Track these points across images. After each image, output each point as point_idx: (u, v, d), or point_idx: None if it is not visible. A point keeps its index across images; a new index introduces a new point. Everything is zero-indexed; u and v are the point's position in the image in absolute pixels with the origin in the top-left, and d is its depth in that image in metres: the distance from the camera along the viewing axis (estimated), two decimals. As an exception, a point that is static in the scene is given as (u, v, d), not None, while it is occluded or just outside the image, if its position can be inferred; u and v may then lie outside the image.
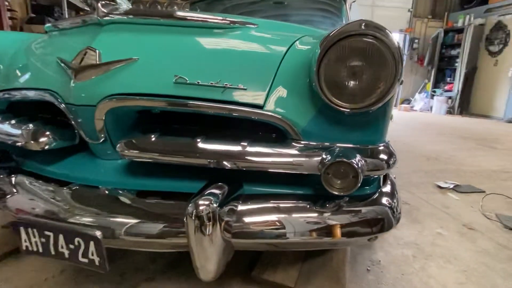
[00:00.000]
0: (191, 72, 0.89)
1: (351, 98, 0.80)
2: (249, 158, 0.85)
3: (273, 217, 0.83)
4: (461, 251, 1.60)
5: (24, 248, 0.90)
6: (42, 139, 0.97)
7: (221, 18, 1.01)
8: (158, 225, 0.81)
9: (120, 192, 0.92)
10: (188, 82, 0.88)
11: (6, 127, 1.04)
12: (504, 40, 7.19)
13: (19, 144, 0.99)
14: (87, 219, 0.84)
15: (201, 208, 0.73)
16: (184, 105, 0.88)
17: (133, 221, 0.82)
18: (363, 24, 0.74)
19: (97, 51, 0.91)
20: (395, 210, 0.91)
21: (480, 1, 7.86)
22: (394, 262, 1.48)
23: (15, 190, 0.97)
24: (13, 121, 1.07)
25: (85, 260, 0.84)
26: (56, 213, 0.86)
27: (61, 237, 0.84)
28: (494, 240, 1.71)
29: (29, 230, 0.87)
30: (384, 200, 0.92)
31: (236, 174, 0.90)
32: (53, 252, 0.87)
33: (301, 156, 0.84)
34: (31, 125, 1.01)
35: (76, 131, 1.07)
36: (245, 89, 0.88)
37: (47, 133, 0.99)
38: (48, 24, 1.22)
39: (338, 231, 0.85)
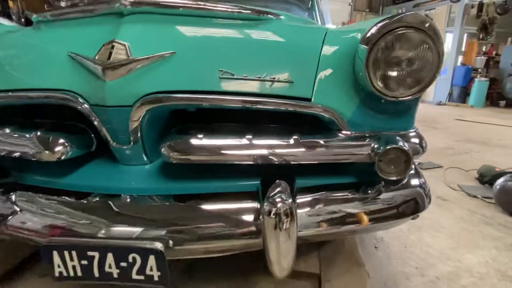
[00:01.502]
0: (235, 66, 0.84)
1: (399, 87, 0.84)
2: (302, 151, 0.84)
3: (334, 207, 0.84)
4: (444, 220, 1.81)
5: (57, 274, 0.77)
6: (58, 148, 0.84)
7: (250, 8, 0.97)
8: (223, 228, 0.77)
9: (162, 198, 0.85)
10: (234, 76, 0.84)
11: (5, 136, 0.87)
12: (430, 32, 8.13)
13: (28, 156, 0.84)
14: (140, 232, 0.75)
15: (279, 205, 0.71)
16: (234, 101, 0.83)
17: (195, 227, 0.76)
18: (419, 17, 0.78)
19: (126, 44, 0.81)
20: (426, 190, 0.99)
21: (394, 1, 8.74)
22: (395, 237, 1.62)
23: (29, 210, 0.83)
24: (7, 130, 0.90)
25: (141, 277, 0.76)
26: (98, 230, 0.76)
27: (109, 256, 0.74)
28: (465, 207, 1.97)
29: (66, 253, 0.75)
30: (417, 181, 0.99)
31: (283, 169, 0.90)
32: (97, 275, 0.77)
33: (353, 146, 0.87)
34: (39, 133, 0.86)
35: (92, 136, 0.95)
36: (292, 82, 0.86)
37: (61, 141, 0.85)
38: (35, 15, 1.04)
39: (392, 213, 0.90)
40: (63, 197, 0.85)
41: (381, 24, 0.81)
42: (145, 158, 0.93)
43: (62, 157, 0.84)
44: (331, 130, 0.92)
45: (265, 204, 0.73)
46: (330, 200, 0.87)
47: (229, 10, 0.92)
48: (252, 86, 0.84)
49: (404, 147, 0.83)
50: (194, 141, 0.82)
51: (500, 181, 1.95)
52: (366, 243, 1.57)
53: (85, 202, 0.82)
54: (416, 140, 0.96)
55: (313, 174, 0.95)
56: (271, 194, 0.75)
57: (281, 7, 2.63)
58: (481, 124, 5.09)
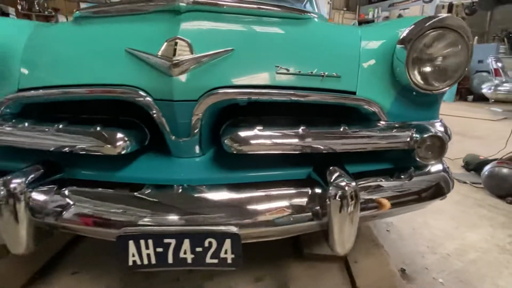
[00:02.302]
0: (289, 62, 0.91)
1: (433, 81, 0.94)
2: (352, 139, 0.92)
3: (383, 191, 0.93)
4: (442, 204, 1.96)
5: (130, 263, 0.80)
6: (119, 143, 0.85)
7: (293, 8, 1.03)
8: (289, 212, 0.83)
9: (225, 187, 0.89)
10: (289, 72, 0.90)
11: (63, 131, 0.88)
12: (405, 31, 8.55)
13: (90, 150, 0.85)
14: (214, 218, 0.80)
15: (346, 188, 0.78)
16: (289, 94, 0.89)
17: (265, 212, 0.82)
18: (456, 20, 0.88)
19: (188, 41, 0.84)
20: (450, 173, 1.11)
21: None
22: (403, 221, 1.75)
23: (95, 203, 0.85)
24: (61, 126, 0.90)
25: (214, 261, 0.80)
26: (173, 218, 0.80)
27: (186, 241, 0.78)
28: (460, 192, 2.16)
29: (142, 242, 0.78)
30: (441, 167, 1.10)
31: (329, 157, 0.97)
32: (170, 261, 0.80)
33: (395, 134, 0.96)
34: (98, 128, 0.88)
35: (146, 130, 0.98)
36: (339, 77, 0.94)
37: (121, 135, 0.87)
38: (77, 11, 1.04)
39: (426, 195, 1.01)
40: (128, 189, 0.87)
41: (421, 24, 0.90)
42: (198, 151, 0.97)
43: (123, 151, 0.86)
44: (371, 120, 1.01)
45: (331, 188, 0.80)
46: (375, 185, 0.96)
47: (276, 9, 0.98)
48: (305, 81, 0.91)
49: (440, 134, 0.94)
50: (254, 133, 0.87)
51: (487, 168, 2.15)
52: (378, 228, 1.69)
53: (152, 193, 0.85)
54: (442, 129, 1.07)
55: (352, 162, 1.04)
56: (334, 179, 0.82)
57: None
58: (455, 117, 5.46)
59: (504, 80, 6.12)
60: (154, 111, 0.86)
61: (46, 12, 6.15)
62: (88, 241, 1.48)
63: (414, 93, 0.98)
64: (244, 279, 1.26)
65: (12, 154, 1.02)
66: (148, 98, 0.85)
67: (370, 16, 9.22)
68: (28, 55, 0.98)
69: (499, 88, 6.12)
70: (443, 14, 0.93)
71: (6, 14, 4.75)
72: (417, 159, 0.96)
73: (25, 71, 0.96)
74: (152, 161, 0.97)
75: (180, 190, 0.86)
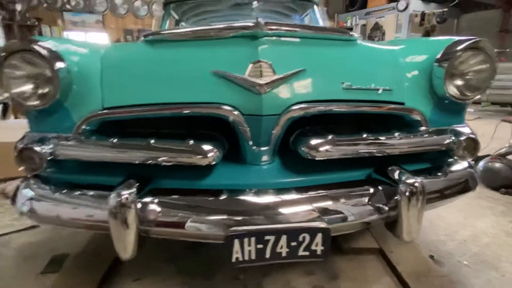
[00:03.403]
0: (350, 79, 1.05)
1: (465, 92, 1.13)
2: (406, 143, 1.08)
3: (434, 185, 1.10)
4: (447, 197, 2.20)
5: (234, 260, 0.91)
6: (210, 154, 0.96)
7: (342, 30, 1.19)
8: (367, 207, 0.98)
9: (304, 188, 1.02)
10: (352, 87, 1.05)
11: (157, 145, 0.97)
12: (381, 38, 9.06)
13: (185, 161, 0.95)
14: (306, 215, 0.93)
15: (416, 184, 0.94)
16: (353, 106, 1.04)
17: (347, 208, 0.96)
18: (484, 42, 1.06)
19: (270, 63, 0.97)
20: (475, 169, 1.30)
21: (360, 6, 9.62)
22: (418, 214, 1.95)
23: (196, 210, 0.95)
24: (152, 140, 0.99)
25: (306, 253, 0.92)
26: (270, 218, 0.91)
27: (283, 237, 0.90)
28: (459, 186, 2.40)
29: (245, 240, 0.89)
30: (467, 164, 1.28)
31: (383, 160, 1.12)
32: (268, 256, 0.92)
33: (438, 138, 1.13)
34: (191, 141, 0.97)
35: (224, 141, 1.09)
36: (390, 90, 1.10)
37: (211, 147, 0.97)
38: (149, 33, 1.13)
39: (460, 189, 1.19)
40: (223, 195, 0.97)
41: (455, 46, 1.08)
42: (270, 158, 1.09)
43: (213, 162, 0.97)
44: (413, 126, 1.17)
45: (401, 185, 0.95)
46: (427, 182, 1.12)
47: (333, 32, 1.13)
48: (365, 94, 1.06)
49: (474, 136, 1.12)
50: (328, 141, 1.01)
51: (482, 163, 2.41)
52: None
53: (247, 197, 0.96)
54: (469, 131, 1.25)
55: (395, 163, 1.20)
56: (401, 177, 0.97)
57: (290, 8, 2.88)
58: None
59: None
60: (243, 125, 0.98)
61: (28, 22, 5.97)
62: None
63: (446, 101, 1.15)
64: (298, 273, 1.38)
65: (91, 168, 1.09)
66: (238, 114, 0.96)
67: (349, 24, 9.69)
68: (109, 76, 1.05)
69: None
70: (475, 38, 1.11)
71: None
72: (455, 157, 1.14)
73: (108, 90, 1.04)
74: (230, 169, 1.08)
75: (270, 193, 0.97)
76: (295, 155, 1.11)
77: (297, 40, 1.07)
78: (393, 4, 8.51)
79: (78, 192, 1.04)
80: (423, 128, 1.16)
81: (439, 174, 1.20)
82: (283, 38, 1.04)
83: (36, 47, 0.96)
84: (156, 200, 0.95)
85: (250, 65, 0.96)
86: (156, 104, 0.99)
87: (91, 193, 1.02)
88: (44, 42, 0.99)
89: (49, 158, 1.01)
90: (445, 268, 1.44)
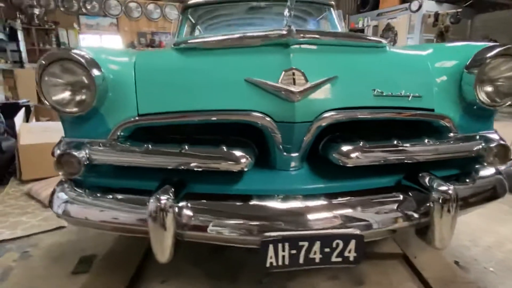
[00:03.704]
0: (381, 85, 1.06)
1: (495, 98, 1.12)
2: (437, 150, 1.08)
3: (463, 192, 1.09)
4: (468, 202, 2.18)
5: (267, 265, 0.92)
6: (243, 160, 0.98)
7: (372, 37, 1.19)
8: (397, 213, 0.98)
9: (334, 194, 1.03)
10: (383, 94, 1.05)
11: (192, 151, 0.99)
12: (394, 39, 8.97)
13: (220, 167, 0.98)
14: (339, 222, 0.94)
15: (450, 192, 0.94)
16: (384, 113, 1.05)
17: (380, 214, 0.97)
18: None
19: (302, 71, 0.98)
20: (504, 175, 1.28)
21: (372, 7, 9.54)
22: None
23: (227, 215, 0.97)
24: (186, 147, 1.01)
25: (338, 260, 0.94)
26: (304, 223, 0.93)
27: (317, 243, 0.91)
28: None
29: (279, 245, 0.91)
30: (496, 170, 1.27)
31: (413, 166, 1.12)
32: (301, 261, 0.93)
33: (468, 144, 1.12)
34: (224, 148, 1.00)
35: (253, 147, 1.10)
36: (420, 97, 1.10)
37: (243, 154, 0.99)
38: (179, 42, 1.16)
39: (490, 195, 1.18)
40: (256, 200, 0.99)
41: (485, 52, 1.08)
42: (299, 164, 1.11)
43: (246, 168, 0.99)
44: (442, 132, 1.17)
45: (434, 192, 0.95)
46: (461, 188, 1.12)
47: (363, 38, 1.14)
48: (396, 101, 1.07)
49: (504, 143, 1.11)
50: (359, 147, 1.01)
51: (503, 168, 2.37)
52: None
53: (279, 203, 0.98)
54: (498, 137, 1.24)
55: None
56: (433, 184, 0.98)
57: (306, 12, 2.90)
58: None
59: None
60: (275, 132, 0.99)
61: (46, 26, 6.12)
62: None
63: (475, 107, 1.15)
64: (323, 278, 1.39)
65: (123, 172, 1.12)
66: (270, 121, 0.98)
67: (360, 25, 9.62)
68: (143, 83, 1.08)
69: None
70: (505, 45, 1.10)
71: (14, 30, 4.72)
72: (485, 164, 1.13)
73: (143, 98, 1.07)
74: (260, 174, 1.09)
75: (302, 199, 0.98)
76: (322, 161, 1.12)
77: (328, 47, 1.08)
78: (405, 5, 8.41)
79: (113, 196, 1.07)
80: (452, 134, 1.16)
81: (467, 180, 1.19)
82: (314, 46, 1.06)
83: (75, 56, 0.99)
84: (192, 205, 0.98)
85: (283, 73, 0.98)
86: (190, 111, 1.01)
87: (127, 197, 1.05)
88: (81, 51, 1.02)
89: (86, 163, 1.04)
90: (471, 275, 1.43)
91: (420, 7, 8.07)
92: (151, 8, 7.16)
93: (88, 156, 1.04)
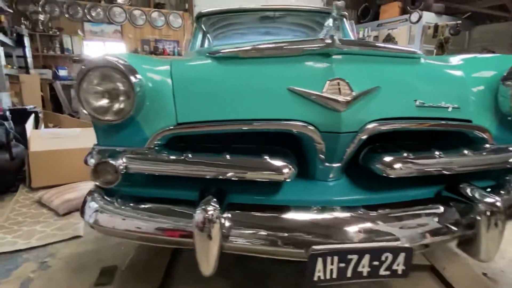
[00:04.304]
0: (422, 96, 1.06)
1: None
2: (477, 161, 1.08)
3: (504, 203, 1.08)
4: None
5: (315, 279, 0.90)
6: (286, 170, 0.96)
7: (409, 49, 1.19)
8: (444, 225, 0.97)
9: (377, 206, 1.01)
10: (425, 105, 1.05)
11: (234, 161, 0.97)
12: (393, 49, 9.09)
13: (262, 177, 0.96)
14: (387, 234, 0.92)
15: (497, 204, 0.93)
16: (424, 124, 1.04)
17: (426, 227, 0.95)
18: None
19: (347, 81, 0.98)
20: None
21: (373, 17, 9.70)
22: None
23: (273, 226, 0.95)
24: (228, 156, 1.00)
25: (387, 273, 0.91)
26: (352, 236, 0.91)
27: (366, 257, 0.89)
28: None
29: (328, 258, 0.89)
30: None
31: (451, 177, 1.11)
32: (349, 275, 0.91)
33: (506, 155, 1.12)
34: (266, 157, 0.98)
35: (293, 158, 1.09)
36: (458, 108, 1.10)
37: (285, 164, 0.97)
38: (215, 51, 1.15)
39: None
40: (302, 211, 0.97)
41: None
42: (339, 174, 1.09)
43: (288, 179, 0.97)
44: (476, 143, 1.17)
45: (480, 204, 0.94)
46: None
47: (402, 49, 1.14)
48: (436, 112, 1.06)
49: (542, 154, 1.11)
50: (403, 158, 1.01)
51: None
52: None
53: (324, 214, 0.96)
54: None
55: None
56: (476, 195, 0.97)
57: (318, 23, 2.93)
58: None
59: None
60: (319, 142, 0.98)
61: (50, 32, 6.11)
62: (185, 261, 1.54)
63: (510, 118, 1.15)
64: (354, 290, 1.36)
65: (157, 181, 1.10)
66: (315, 130, 0.97)
67: (361, 36, 9.75)
68: (182, 92, 1.07)
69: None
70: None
71: (21, 36, 4.70)
72: (524, 175, 1.13)
73: (182, 106, 1.05)
74: (299, 184, 1.07)
75: (346, 211, 0.97)
76: (357, 172, 1.12)
77: (368, 57, 1.08)
78: (405, 16, 8.56)
79: (152, 206, 1.05)
80: (487, 145, 1.16)
81: (502, 192, 1.18)
82: (355, 56, 1.06)
83: (115, 63, 0.98)
84: (235, 216, 0.95)
85: (327, 83, 0.98)
86: (233, 120, 1.00)
87: (167, 207, 1.02)
88: (120, 58, 1.01)
89: (123, 172, 1.02)
90: (500, 287, 1.41)
91: (420, 18, 8.21)
92: (155, 16, 7.19)
93: (126, 164, 1.02)
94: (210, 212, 0.88)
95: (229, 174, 0.97)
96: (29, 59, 5.01)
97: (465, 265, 1.51)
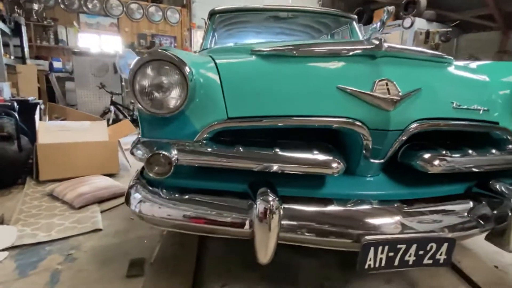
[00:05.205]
0: (457, 98, 1.14)
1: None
2: (502, 160, 1.17)
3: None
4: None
5: (366, 267, 0.96)
6: (335, 165, 1.01)
7: (441, 54, 1.27)
8: (479, 219, 1.05)
9: (418, 200, 1.08)
10: (460, 107, 1.13)
11: (284, 155, 1.02)
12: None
13: (316, 171, 1.01)
14: (431, 225, 0.99)
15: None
16: (458, 125, 1.12)
17: (462, 219, 1.03)
18: None
19: (394, 82, 1.04)
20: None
21: (366, 22, 9.91)
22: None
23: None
24: (278, 150, 1.04)
25: (429, 262, 0.98)
26: (401, 227, 0.97)
27: (414, 246, 0.96)
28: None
29: (379, 248, 0.94)
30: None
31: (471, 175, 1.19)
32: (396, 263, 0.97)
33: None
34: (316, 152, 1.03)
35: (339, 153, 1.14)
36: (487, 110, 1.19)
37: (336, 159, 1.03)
38: (258, 49, 1.19)
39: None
40: (352, 204, 1.03)
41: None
42: (379, 170, 1.16)
43: (337, 173, 1.02)
44: (499, 144, 1.25)
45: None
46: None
47: (436, 54, 1.22)
48: (470, 114, 1.14)
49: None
50: (443, 156, 1.08)
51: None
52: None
53: (373, 207, 1.02)
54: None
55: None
56: (506, 191, 1.05)
57: (326, 24, 3.00)
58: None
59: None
60: (367, 139, 1.04)
61: (45, 22, 5.93)
62: (211, 252, 1.58)
63: None
64: (378, 281, 1.43)
65: (202, 173, 1.13)
66: (365, 128, 1.03)
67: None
68: (231, 87, 1.10)
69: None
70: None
71: (18, 25, 4.54)
72: (545, 175, 1.23)
73: (232, 101, 1.09)
74: (341, 179, 1.13)
75: (393, 204, 1.03)
76: (393, 168, 1.18)
77: (409, 60, 1.14)
78: (398, 21, 8.80)
79: (200, 197, 1.08)
80: (510, 146, 1.25)
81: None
82: (397, 59, 1.12)
83: (170, 57, 1.00)
84: (290, 208, 1.00)
85: (376, 82, 1.03)
86: (283, 116, 1.04)
87: (219, 198, 1.06)
88: (172, 53, 1.03)
89: (175, 163, 1.04)
90: (511, 278, 1.52)
91: (412, 24, 8.47)
92: (153, 11, 7.10)
93: (179, 156, 1.04)
94: (271, 203, 0.92)
95: (282, 168, 1.02)
96: (26, 49, 4.85)
97: (479, 259, 1.61)
